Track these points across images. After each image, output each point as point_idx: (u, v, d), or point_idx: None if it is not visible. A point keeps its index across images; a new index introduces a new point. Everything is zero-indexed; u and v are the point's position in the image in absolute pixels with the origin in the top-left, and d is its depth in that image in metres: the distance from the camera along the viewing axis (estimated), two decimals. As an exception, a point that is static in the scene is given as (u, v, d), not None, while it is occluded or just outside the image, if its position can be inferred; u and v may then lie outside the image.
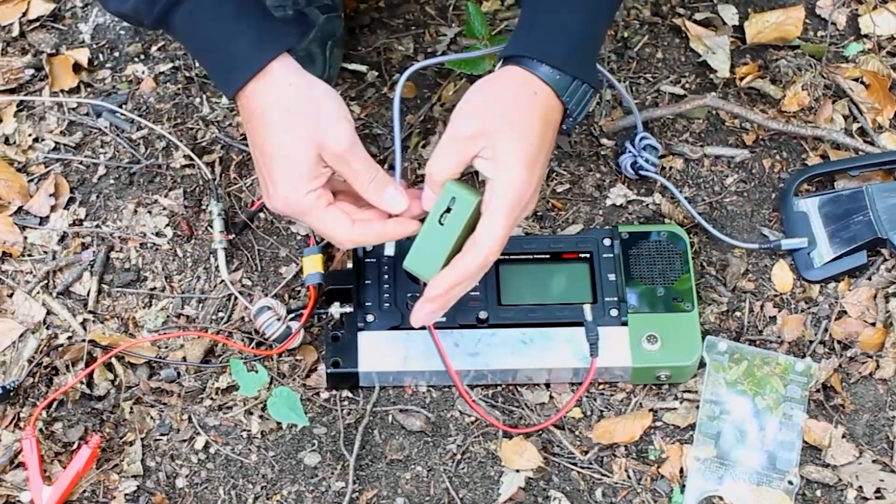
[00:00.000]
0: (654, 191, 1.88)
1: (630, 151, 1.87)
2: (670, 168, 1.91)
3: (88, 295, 1.81)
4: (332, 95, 1.54)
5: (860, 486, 1.67)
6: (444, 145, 1.52)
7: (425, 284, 1.53)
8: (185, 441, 1.71)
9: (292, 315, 1.75)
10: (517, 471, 1.67)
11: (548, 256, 1.76)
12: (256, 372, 1.70)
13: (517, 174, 1.48)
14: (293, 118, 1.51)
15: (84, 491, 1.67)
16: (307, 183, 1.51)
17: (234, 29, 1.52)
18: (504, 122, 1.50)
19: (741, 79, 1.98)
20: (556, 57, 1.52)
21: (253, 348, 1.75)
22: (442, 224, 1.52)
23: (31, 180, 1.91)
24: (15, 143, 1.94)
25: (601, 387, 1.74)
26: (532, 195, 1.51)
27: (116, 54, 2.03)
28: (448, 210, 1.51)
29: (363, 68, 2.00)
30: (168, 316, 1.80)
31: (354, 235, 1.55)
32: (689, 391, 1.74)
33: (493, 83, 1.54)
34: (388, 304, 1.72)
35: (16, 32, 2.04)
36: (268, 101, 1.51)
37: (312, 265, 1.75)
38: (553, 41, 1.54)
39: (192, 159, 1.89)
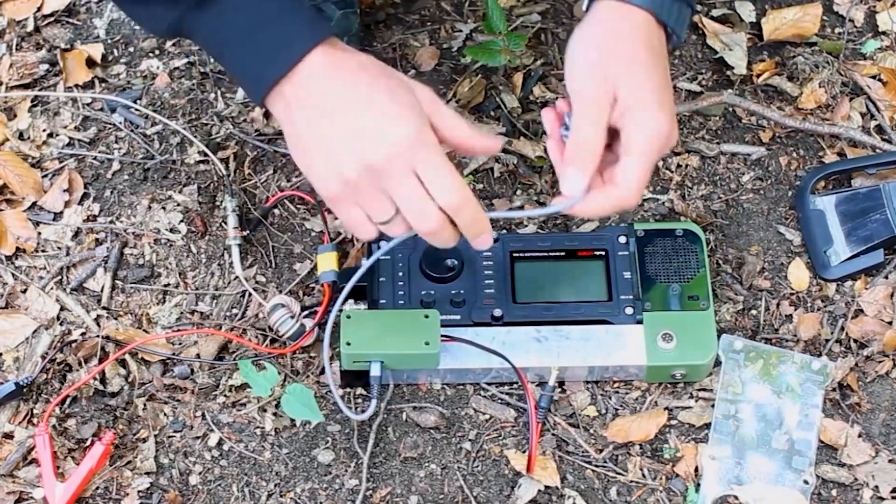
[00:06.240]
0: (669, 189, 1.88)
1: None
2: (686, 165, 1.91)
3: (102, 291, 1.81)
4: None
5: (876, 486, 1.67)
6: (580, 115, 1.45)
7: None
8: (198, 438, 1.71)
9: (306, 312, 1.75)
10: (539, 480, 1.67)
11: (563, 254, 1.75)
12: (265, 369, 1.69)
13: (651, 118, 1.45)
14: (378, 66, 1.42)
15: (97, 487, 1.67)
16: (423, 116, 1.39)
17: (289, 5, 1.42)
18: (623, 70, 1.45)
19: (758, 76, 1.97)
20: None
21: (266, 346, 1.75)
22: None
23: (45, 176, 1.91)
24: (29, 138, 1.94)
25: (616, 385, 1.74)
26: (670, 131, 1.46)
27: (131, 49, 2.02)
28: None
29: (378, 64, 2.00)
30: (182, 312, 1.80)
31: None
32: (704, 390, 1.73)
33: (595, 30, 1.49)
34: (402, 302, 1.72)
35: (30, 27, 2.04)
36: (346, 55, 1.41)
37: (327, 262, 1.75)
38: None
39: (206, 155, 1.89)
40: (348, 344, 1.65)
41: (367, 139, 1.36)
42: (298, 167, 1.43)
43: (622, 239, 1.76)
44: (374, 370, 1.65)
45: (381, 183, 1.37)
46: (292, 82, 1.39)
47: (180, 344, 1.77)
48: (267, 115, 1.94)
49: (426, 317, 1.65)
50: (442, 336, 1.67)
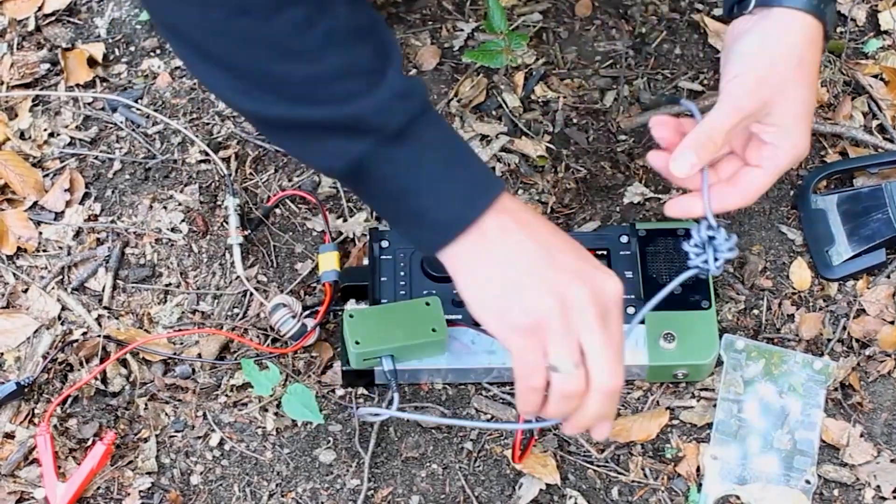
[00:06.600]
0: (672, 188, 1.88)
1: (695, 245, 1.45)
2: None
3: (103, 291, 1.81)
4: None
5: (878, 486, 1.66)
6: (722, 109, 1.38)
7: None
8: (199, 438, 1.71)
9: (307, 312, 1.75)
10: (539, 478, 1.66)
11: (564, 254, 1.75)
12: (268, 368, 1.69)
13: (801, 141, 1.41)
14: None
15: (98, 488, 1.67)
16: None
17: (469, 147, 1.36)
18: (789, 81, 1.38)
19: (760, 75, 1.97)
20: None
21: (268, 346, 1.75)
22: None
23: (47, 175, 1.91)
24: (30, 137, 1.94)
25: (618, 385, 1.74)
26: (807, 149, 1.41)
27: (132, 49, 2.02)
28: None
29: (379, 63, 1.99)
30: (183, 312, 1.79)
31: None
32: (706, 389, 1.73)
33: (772, 31, 1.40)
34: (404, 302, 1.72)
35: (31, 27, 2.04)
36: (524, 204, 1.36)
37: (328, 262, 1.75)
38: None
39: (207, 154, 1.89)
40: (357, 343, 1.64)
41: (586, 277, 1.30)
42: (474, 302, 1.32)
43: (624, 239, 1.76)
44: (387, 364, 1.64)
45: (579, 325, 1.29)
46: (493, 218, 1.30)
47: (181, 344, 1.77)
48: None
49: (427, 304, 1.65)
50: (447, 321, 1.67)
